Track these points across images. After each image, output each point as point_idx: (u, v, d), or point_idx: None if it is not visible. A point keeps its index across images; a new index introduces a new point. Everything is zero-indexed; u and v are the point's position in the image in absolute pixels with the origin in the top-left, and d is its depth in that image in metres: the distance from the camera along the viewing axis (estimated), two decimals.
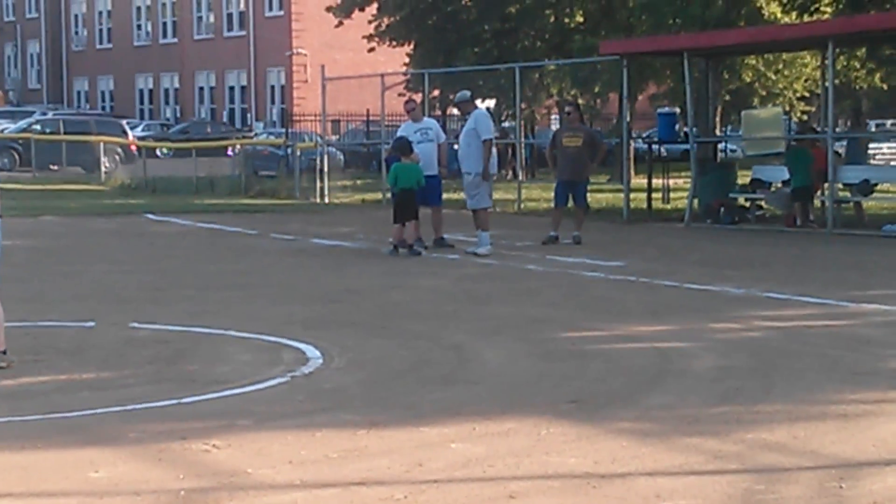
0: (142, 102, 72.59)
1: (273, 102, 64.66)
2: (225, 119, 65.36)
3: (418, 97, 30.66)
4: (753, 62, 36.16)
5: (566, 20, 37.78)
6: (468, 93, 18.41)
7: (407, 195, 17.17)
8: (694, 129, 24.34)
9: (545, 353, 9.83)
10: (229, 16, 66.77)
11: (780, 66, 38.36)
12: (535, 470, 6.50)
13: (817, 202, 21.97)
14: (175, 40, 69.90)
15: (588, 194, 20.07)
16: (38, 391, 8.49)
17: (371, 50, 41.65)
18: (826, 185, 21.04)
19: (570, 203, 19.19)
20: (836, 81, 24.55)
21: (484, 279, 14.80)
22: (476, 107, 18.21)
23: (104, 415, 7.72)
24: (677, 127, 28.06)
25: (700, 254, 17.68)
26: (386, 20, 40.49)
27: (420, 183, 17.26)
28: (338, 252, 18.27)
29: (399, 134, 18.52)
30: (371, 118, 39.32)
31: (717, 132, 29.07)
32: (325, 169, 29.86)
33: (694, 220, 22.30)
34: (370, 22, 41.15)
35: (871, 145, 30.75)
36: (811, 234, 20.14)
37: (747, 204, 22.97)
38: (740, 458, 6.70)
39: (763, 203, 22.96)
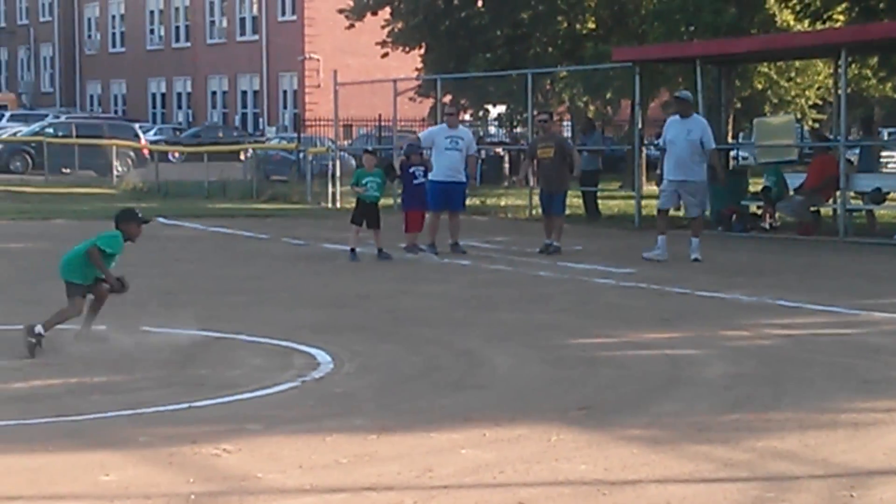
0: (154, 106, 72.69)
1: (285, 107, 64.70)
2: (237, 123, 65.44)
3: (430, 102, 30.69)
4: (766, 70, 36.08)
5: (578, 27, 37.78)
6: (688, 93, 18.41)
7: (369, 206, 17.57)
8: None
9: (556, 359, 9.82)
10: (242, 20, 66.87)
11: (793, 74, 38.29)
12: (546, 476, 6.49)
13: (829, 210, 21.92)
14: (188, 44, 70.00)
15: (567, 203, 19.78)
16: (49, 394, 8.51)
17: (384, 55, 41.64)
18: (838, 193, 21.01)
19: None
20: (849, 89, 24.46)
21: (495, 285, 14.79)
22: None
23: (115, 418, 7.73)
24: None
25: (711, 261, 17.65)
26: (399, 25, 40.47)
27: (382, 185, 17.84)
28: (348, 257, 18.26)
29: (431, 134, 18.99)
30: (383, 123, 39.32)
31: (729, 139, 28.96)
32: (337, 174, 29.85)
33: (705, 228, 22.23)
34: (383, 27, 41.15)
35: (883, 154, 30.63)
36: (823, 243, 20.09)
37: (759, 211, 22.90)
38: (750, 466, 6.69)
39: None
